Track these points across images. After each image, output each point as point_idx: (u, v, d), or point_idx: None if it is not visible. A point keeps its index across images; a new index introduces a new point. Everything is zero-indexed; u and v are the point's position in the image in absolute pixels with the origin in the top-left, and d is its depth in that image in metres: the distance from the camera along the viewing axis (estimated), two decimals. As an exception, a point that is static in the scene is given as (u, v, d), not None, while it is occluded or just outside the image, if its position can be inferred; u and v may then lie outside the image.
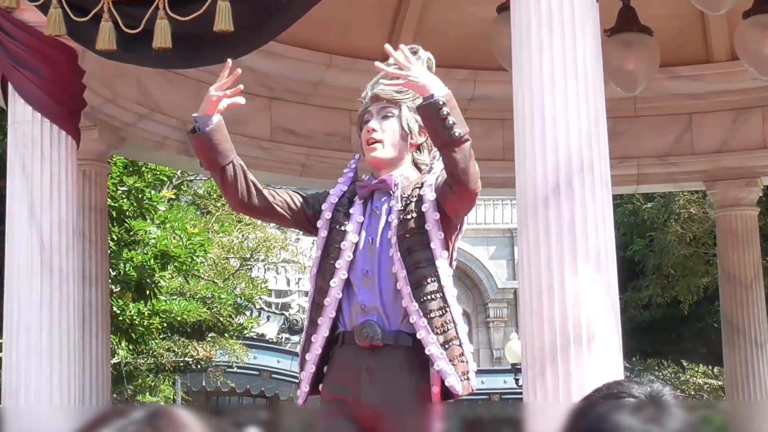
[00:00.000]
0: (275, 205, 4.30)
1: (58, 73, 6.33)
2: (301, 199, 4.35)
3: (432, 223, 4.20)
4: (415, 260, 4.21)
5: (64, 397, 6.30)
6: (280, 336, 25.71)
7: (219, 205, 17.99)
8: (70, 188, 6.37)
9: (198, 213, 17.71)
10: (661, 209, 17.69)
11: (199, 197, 18.27)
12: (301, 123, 9.32)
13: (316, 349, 4.22)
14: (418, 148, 4.38)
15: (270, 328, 25.16)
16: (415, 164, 4.40)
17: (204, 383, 21.13)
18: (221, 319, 16.02)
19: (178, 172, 14.68)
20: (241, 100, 4.34)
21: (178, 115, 8.62)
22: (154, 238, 11.91)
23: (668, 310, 18.65)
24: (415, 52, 4.36)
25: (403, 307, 4.15)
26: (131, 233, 11.84)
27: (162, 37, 5.82)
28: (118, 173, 11.46)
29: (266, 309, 24.89)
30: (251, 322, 19.08)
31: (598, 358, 5.07)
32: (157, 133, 8.51)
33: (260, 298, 21.17)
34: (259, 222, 20.50)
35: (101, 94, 7.72)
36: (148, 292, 11.76)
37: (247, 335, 19.31)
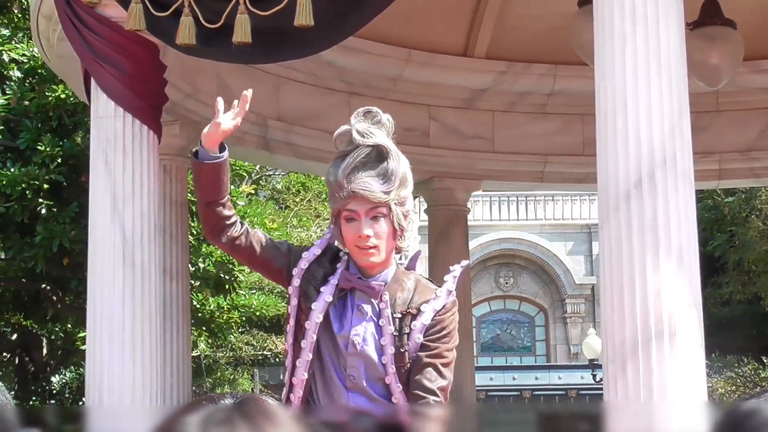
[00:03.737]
0: (246, 254, 4.20)
1: (139, 68, 6.38)
2: (269, 254, 4.20)
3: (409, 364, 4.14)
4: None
5: (146, 389, 6.35)
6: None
7: (298, 200, 18.09)
8: (151, 182, 6.42)
9: (276, 208, 17.80)
10: (743, 204, 17.49)
11: (277, 192, 18.37)
12: (379, 118, 9.31)
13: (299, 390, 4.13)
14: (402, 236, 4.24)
15: (347, 323, 25.25)
16: (397, 249, 4.23)
17: (282, 376, 21.21)
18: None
19: (257, 167, 14.75)
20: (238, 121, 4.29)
21: (257, 110, 8.65)
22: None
23: (749, 306, 18.45)
24: (376, 119, 4.17)
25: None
26: (211, 228, 11.89)
27: (242, 31, 5.83)
28: (196, 167, 11.50)
29: (343, 303, 24.98)
30: (329, 317, 19.10)
31: (680, 353, 5.01)
32: (237, 128, 8.54)
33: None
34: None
35: (182, 89, 7.77)
36: (227, 286, 11.83)
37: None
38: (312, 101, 9.00)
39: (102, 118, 6.42)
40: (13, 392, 13.72)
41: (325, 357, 4.10)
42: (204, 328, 12.59)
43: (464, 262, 4.40)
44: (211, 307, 12.24)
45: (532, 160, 9.74)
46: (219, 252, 11.87)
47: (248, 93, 4.31)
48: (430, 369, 4.08)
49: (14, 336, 14.19)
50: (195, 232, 11.58)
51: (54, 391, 14.57)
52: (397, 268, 4.19)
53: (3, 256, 11.08)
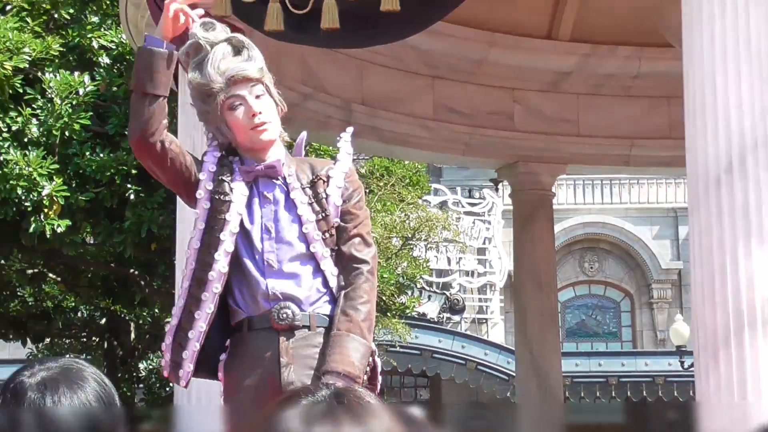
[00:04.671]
0: (170, 160, 4.03)
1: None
2: (190, 159, 4.12)
3: (335, 229, 4.09)
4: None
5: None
6: (441, 315, 25.78)
7: (381, 184, 18.09)
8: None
9: (361, 192, 17.79)
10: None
11: (361, 176, 18.38)
12: (464, 101, 9.30)
13: (200, 326, 3.99)
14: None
15: (431, 308, 25.24)
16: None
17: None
18: (384, 298, 16.10)
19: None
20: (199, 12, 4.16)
21: (341, 94, 8.69)
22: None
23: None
24: (212, 26, 4.11)
25: (318, 290, 4.03)
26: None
27: (330, 17, 5.85)
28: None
29: (427, 288, 24.97)
30: (413, 302, 19.15)
31: (771, 341, 4.96)
32: (321, 112, 8.59)
33: (422, 278, 21.24)
34: (421, 201, 20.58)
35: (267, 74, 7.81)
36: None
37: (409, 314, 19.39)
38: (396, 85, 9.01)
39: (189, 104, 6.46)
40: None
41: (241, 253, 4.05)
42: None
43: (350, 128, 4.32)
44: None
45: (618, 143, 9.67)
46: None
47: None
48: (358, 239, 4.07)
49: (103, 320, 14.37)
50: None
51: (141, 377, 14.74)
52: (286, 151, 4.22)
53: (92, 241, 11.22)
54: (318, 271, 4.03)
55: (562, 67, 9.41)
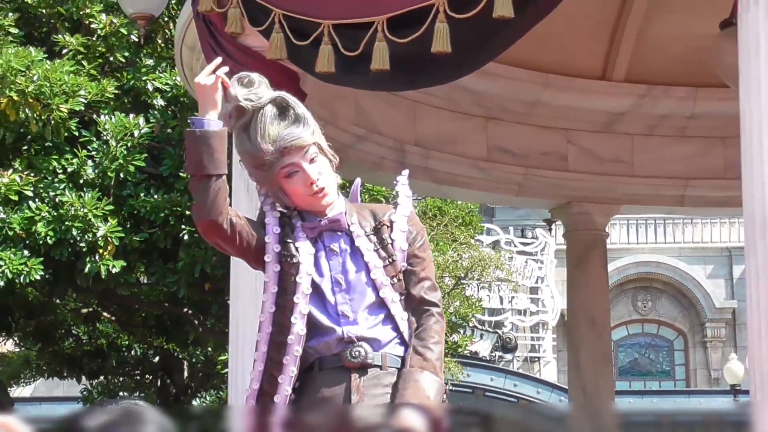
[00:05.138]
0: (238, 234, 4.00)
1: (282, 97, 6.46)
2: (254, 228, 4.07)
3: (402, 273, 4.06)
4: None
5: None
6: (493, 354, 25.71)
7: (434, 224, 18.11)
8: (292, 209, 6.47)
9: (413, 232, 17.81)
10: None
11: (414, 216, 18.37)
12: (517, 142, 9.29)
13: (285, 390, 3.96)
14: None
15: (483, 346, 25.18)
16: None
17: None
18: (436, 337, 16.07)
19: (394, 192, 14.79)
20: (225, 70, 4.06)
21: (394, 135, 8.70)
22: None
23: None
24: (250, 81, 4.07)
25: (389, 333, 4.00)
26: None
27: (380, 59, 5.87)
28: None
29: (479, 327, 24.92)
30: (465, 341, 19.11)
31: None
32: (374, 154, 8.60)
33: (474, 317, 21.20)
34: (474, 241, 20.57)
35: (320, 115, 7.79)
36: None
37: (461, 353, 19.34)
38: (449, 126, 9.02)
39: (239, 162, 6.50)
40: (155, 415, 13.90)
41: (314, 308, 4.01)
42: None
43: (406, 171, 4.31)
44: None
45: (672, 183, 9.61)
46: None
47: (218, 59, 4.18)
48: (428, 282, 4.05)
49: (156, 359, 14.44)
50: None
51: (194, 415, 14.75)
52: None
53: (146, 281, 11.30)
54: (388, 316, 4.02)
55: (616, 108, 9.39)
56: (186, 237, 9.81)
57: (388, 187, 12.62)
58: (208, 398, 14.79)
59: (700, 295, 31.67)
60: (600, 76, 9.39)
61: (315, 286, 4.03)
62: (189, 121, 4.10)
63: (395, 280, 4.03)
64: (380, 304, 4.03)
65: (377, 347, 4.00)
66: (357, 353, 3.97)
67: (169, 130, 10.20)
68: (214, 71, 4.06)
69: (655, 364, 32.72)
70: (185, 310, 11.46)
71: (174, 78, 10.36)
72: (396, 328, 4.01)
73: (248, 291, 6.45)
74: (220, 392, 14.16)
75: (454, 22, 5.69)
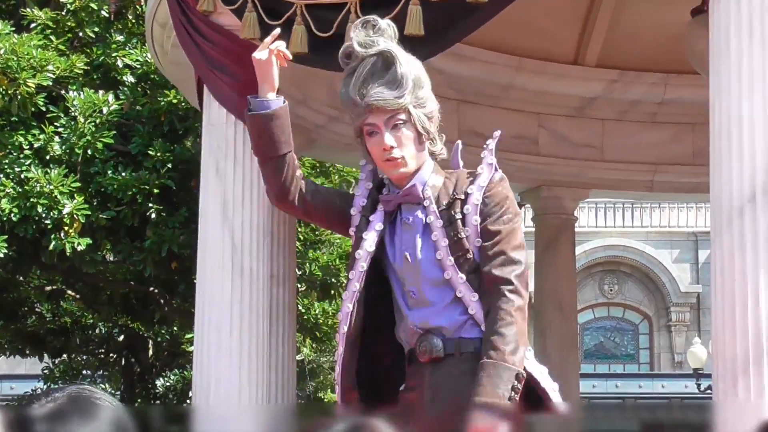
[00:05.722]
0: (314, 210, 3.98)
1: (253, 76, 6.41)
2: (338, 200, 4.05)
3: (474, 249, 3.84)
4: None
5: (252, 393, 6.41)
6: (459, 336, 25.76)
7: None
8: (261, 190, 6.45)
9: (382, 213, 17.83)
10: None
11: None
12: (489, 126, 9.25)
13: (340, 351, 3.96)
14: (430, 139, 4.02)
15: (450, 328, 25.23)
16: (431, 153, 4.05)
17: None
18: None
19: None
20: (282, 45, 4.02)
21: (368, 117, 8.68)
22: (339, 238, 12.01)
23: None
24: (376, 27, 3.94)
25: (459, 316, 3.84)
26: (317, 233, 11.98)
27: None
28: (307, 174, 11.59)
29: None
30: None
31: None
32: (347, 135, 8.50)
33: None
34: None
35: (293, 95, 7.78)
36: (332, 291, 11.87)
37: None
38: (421, 108, 8.99)
39: (214, 125, 6.48)
40: (118, 393, 13.90)
41: (392, 286, 3.93)
42: (309, 333, 12.65)
43: (497, 132, 4.13)
44: (317, 312, 12.29)
45: (642, 169, 9.64)
46: (325, 257, 11.92)
47: (276, 32, 4.10)
48: (500, 258, 3.80)
49: (121, 337, 14.38)
50: (302, 237, 11.64)
51: (158, 394, 14.73)
52: (434, 168, 4.00)
53: (113, 259, 11.24)
54: (457, 299, 3.85)
55: (588, 93, 9.40)
56: (153, 216, 9.76)
57: (359, 168, 12.60)
58: (172, 377, 14.75)
59: (666, 280, 31.83)
60: (573, 61, 9.39)
61: (390, 263, 3.92)
62: (247, 100, 4.03)
63: (462, 259, 3.84)
64: (447, 285, 3.85)
65: (447, 334, 3.85)
66: (425, 348, 3.85)
67: (138, 108, 10.13)
68: (269, 45, 3.99)
69: (620, 347, 32.88)
70: (151, 288, 11.41)
71: (144, 55, 10.28)
72: (465, 310, 3.84)
73: (215, 271, 6.43)
74: (185, 371, 14.12)
75: (426, 5, 5.68)
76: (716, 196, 5.17)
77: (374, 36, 3.96)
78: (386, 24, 3.99)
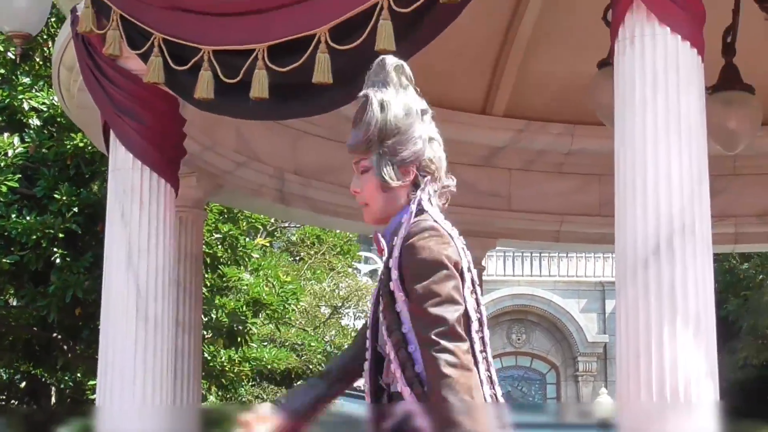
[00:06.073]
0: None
1: (159, 121, 6.39)
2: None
3: (401, 304, 3.62)
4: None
5: (155, 442, 6.33)
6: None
7: (312, 252, 18.08)
8: (167, 236, 6.41)
9: (291, 260, 17.80)
10: (758, 268, 17.43)
11: (292, 244, 18.37)
12: (396, 174, 9.30)
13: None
14: (415, 183, 3.80)
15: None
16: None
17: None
18: (310, 366, 16.05)
19: (272, 219, 14.77)
20: None
21: (275, 163, 8.66)
22: (246, 285, 11.95)
23: (763, 371, 18.34)
24: (382, 67, 3.84)
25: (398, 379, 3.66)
26: (224, 280, 11.91)
27: (260, 87, 5.83)
28: (214, 220, 11.54)
29: (355, 357, 24.87)
30: (340, 371, 19.05)
31: (696, 423, 4.97)
32: (254, 181, 8.55)
33: (349, 346, 21.17)
34: (350, 270, 20.56)
35: (200, 141, 7.78)
36: (239, 338, 11.80)
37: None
38: (330, 155, 8.99)
39: (120, 170, 6.42)
40: (21, 440, 13.62)
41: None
42: (215, 381, 12.55)
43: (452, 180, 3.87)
44: (223, 359, 12.20)
45: (548, 219, 9.71)
46: (232, 303, 11.85)
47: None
48: (420, 317, 3.52)
49: (23, 384, 14.14)
50: (208, 284, 11.56)
51: (61, 440, 14.47)
52: (408, 216, 3.71)
53: (16, 304, 11.07)
54: (391, 361, 3.70)
55: (496, 142, 9.46)
56: (58, 260, 9.64)
57: (266, 215, 12.57)
58: (75, 426, 14.51)
59: (573, 329, 32.06)
60: (481, 110, 9.46)
61: None
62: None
63: (391, 329, 3.64)
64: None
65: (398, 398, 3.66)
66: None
67: (44, 150, 10.02)
68: None
69: (528, 396, 33.02)
70: (55, 334, 11.24)
71: (51, 97, 10.19)
72: (400, 373, 3.64)
73: (119, 317, 6.35)
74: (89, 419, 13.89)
75: (335, 53, 5.68)
76: (621, 248, 5.21)
77: (374, 78, 3.87)
78: (391, 64, 3.89)
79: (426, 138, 3.91)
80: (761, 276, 17.24)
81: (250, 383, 14.89)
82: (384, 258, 3.72)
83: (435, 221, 3.73)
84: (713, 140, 7.59)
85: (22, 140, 9.91)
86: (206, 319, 11.17)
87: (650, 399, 4.97)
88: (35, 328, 11.47)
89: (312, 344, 15.99)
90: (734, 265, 17.54)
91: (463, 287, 3.69)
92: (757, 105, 8.11)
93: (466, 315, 3.64)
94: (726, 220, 9.37)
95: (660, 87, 5.18)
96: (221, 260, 11.79)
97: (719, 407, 5.09)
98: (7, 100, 10.25)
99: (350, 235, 18.63)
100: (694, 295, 5.04)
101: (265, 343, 14.59)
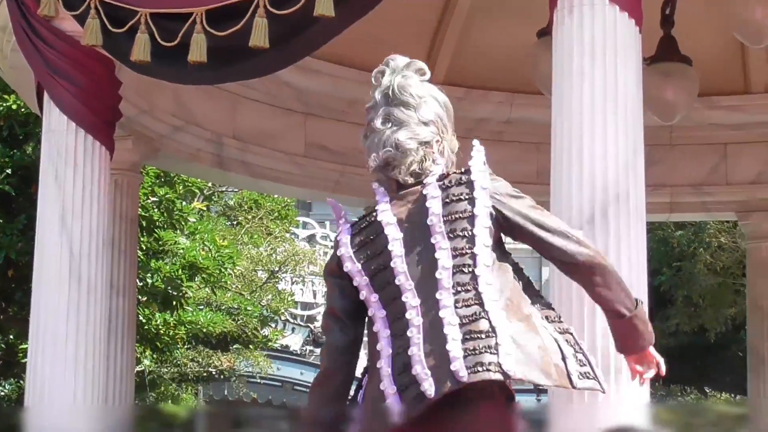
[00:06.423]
0: None
1: (94, 84, 6.33)
2: None
3: None
4: None
5: (88, 403, 6.30)
6: (304, 348, 25.70)
7: (249, 217, 18.02)
8: (101, 198, 6.36)
9: (228, 224, 17.72)
10: (692, 238, 17.60)
11: (229, 208, 18.30)
12: (335, 140, 9.28)
13: None
14: None
15: (295, 340, 25.16)
16: None
17: (226, 393, 21.12)
18: (246, 330, 16.02)
19: (210, 183, 14.70)
20: None
21: (213, 127, 8.61)
22: (182, 249, 11.90)
23: (694, 337, 18.55)
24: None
25: None
26: (160, 243, 11.84)
27: (198, 51, 5.80)
28: (150, 183, 11.46)
29: (292, 321, 24.89)
30: (276, 335, 19.09)
31: (626, 390, 5.01)
32: (192, 145, 8.50)
33: (286, 311, 21.19)
34: (288, 235, 20.53)
35: (137, 104, 7.71)
36: (174, 302, 11.74)
37: (272, 347, 19.30)
38: (268, 121, 8.96)
39: (54, 131, 6.36)
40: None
41: None
42: (149, 344, 12.50)
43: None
44: (158, 322, 12.14)
45: (486, 186, 9.72)
46: (168, 267, 11.79)
47: None
48: None
49: (-45, 346, 14.01)
50: (144, 248, 11.49)
51: (-7, 402, 14.39)
52: None
53: (-52, 266, 10.96)
54: None
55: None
56: (-9, 221, 9.55)
57: (204, 179, 12.50)
58: (7, 387, 14.42)
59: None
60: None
61: None
62: None
63: None
64: None
65: None
66: None
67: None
68: None
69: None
70: (-13, 296, 11.15)
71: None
72: None
73: (52, 279, 6.31)
74: (20, 381, 13.81)
75: (273, 18, 5.66)
76: (556, 216, 5.23)
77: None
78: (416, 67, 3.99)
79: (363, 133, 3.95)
80: (694, 245, 17.41)
81: (186, 347, 14.84)
82: None
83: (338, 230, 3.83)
84: (650, 111, 7.65)
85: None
86: (141, 283, 11.11)
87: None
88: (-33, 290, 11.37)
89: (248, 308, 15.95)
90: (668, 233, 17.70)
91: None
92: (695, 76, 8.16)
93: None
94: (661, 189, 9.44)
95: (598, 57, 5.21)
96: (157, 224, 11.72)
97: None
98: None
99: (288, 201, 18.58)
100: (627, 264, 5.08)
101: (201, 307, 14.55)
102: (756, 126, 9.58)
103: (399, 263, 3.58)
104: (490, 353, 3.39)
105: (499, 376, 3.38)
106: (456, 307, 3.47)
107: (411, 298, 3.52)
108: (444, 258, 3.55)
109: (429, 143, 3.80)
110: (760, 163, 9.73)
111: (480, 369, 3.37)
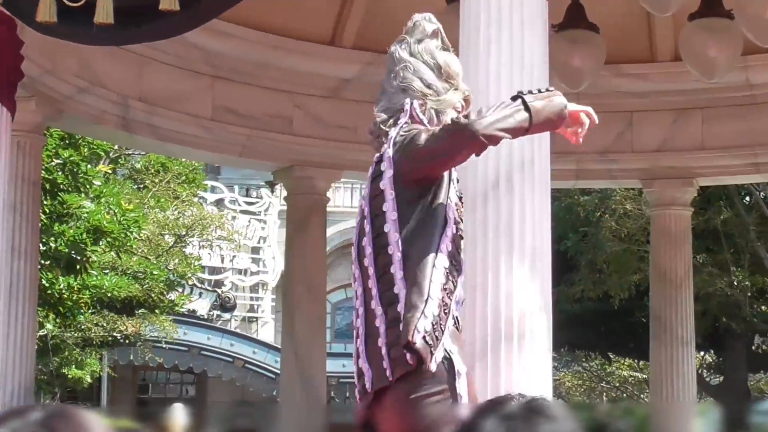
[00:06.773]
0: None
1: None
2: None
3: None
4: None
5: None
6: (211, 313, 25.60)
7: (157, 180, 17.87)
8: (2, 160, 6.26)
9: (134, 188, 17.57)
10: (597, 204, 17.78)
11: (136, 172, 18.13)
12: (243, 103, 9.24)
13: None
14: None
15: (201, 305, 25.05)
16: None
17: (132, 358, 20.99)
18: (152, 295, 15.91)
19: (116, 146, 14.55)
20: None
21: (119, 89, 8.52)
22: (87, 213, 11.76)
23: (599, 303, 18.77)
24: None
25: None
26: (65, 207, 11.70)
27: (104, 12, 5.70)
28: (54, 145, 11.31)
29: (199, 286, 24.78)
30: (183, 299, 19.00)
31: (528, 356, 5.06)
32: (97, 107, 8.40)
33: (193, 275, 21.09)
34: (196, 199, 20.42)
35: (41, 64, 7.59)
36: (78, 266, 11.61)
37: (178, 311, 19.21)
38: (176, 83, 8.88)
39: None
40: None
41: None
42: (52, 309, 12.36)
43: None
44: (61, 287, 12.01)
45: (393, 151, 9.74)
46: (72, 231, 11.65)
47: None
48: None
49: None
50: (47, 211, 11.35)
51: None
52: None
53: None
54: None
55: (344, 74, 9.45)
56: None
57: (110, 141, 12.37)
58: None
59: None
60: (329, 42, 9.42)
61: None
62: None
63: None
64: None
65: None
66: None
67: None
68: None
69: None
70: None
71: None
72: None
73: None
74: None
75: (181, -22, 5.59)
76: (461, 182, 5.26)
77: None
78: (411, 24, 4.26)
79: None
80: (600, 212, 17.60)
81: (90, 311, 14.70)
82: None
83: None
84: (558, 78, 7.72)
85: None
86: (45, 246, 10.97)
87: (484, 332, 5.04)
88: None
89: (154, 273, 15.84)
90: (574, 200, 17.87)
91: None
92: (602, 44, 8.24)
93: None
94: (568, 156, 9.52)
95: (504, 25, 5.22)
96: (61, 187, 11.57)
97: (552, 339, 5.22)
98: None
99: (196, 164, 18.46)
100: (531, 231, 5.12)
101: (106, 271, 14.41)
102: (661, 94, 9.70)
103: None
104: None
105: None
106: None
107: None
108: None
109: (401, 110, 3.91)
110: (665, 132, 9.86)
111: None
